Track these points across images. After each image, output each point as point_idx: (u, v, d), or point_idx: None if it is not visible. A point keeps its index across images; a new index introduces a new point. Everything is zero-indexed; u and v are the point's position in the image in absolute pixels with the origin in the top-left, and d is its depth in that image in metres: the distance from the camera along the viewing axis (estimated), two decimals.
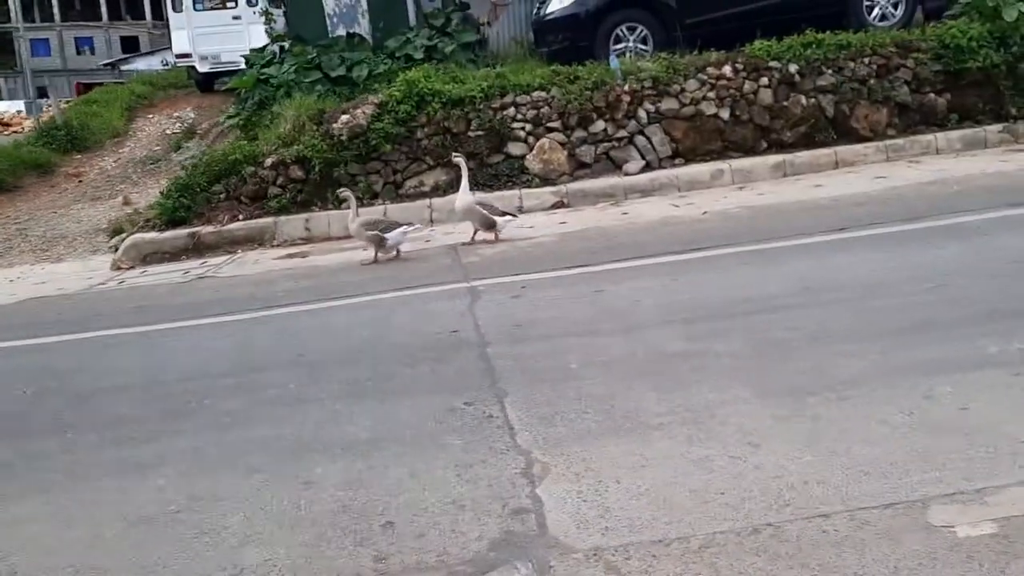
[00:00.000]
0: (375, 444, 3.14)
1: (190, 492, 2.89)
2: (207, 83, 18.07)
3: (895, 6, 9.32)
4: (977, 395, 3.00)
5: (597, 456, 2.89)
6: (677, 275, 5.05)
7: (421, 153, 8.18)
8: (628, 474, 2.75)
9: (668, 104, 8.26)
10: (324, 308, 5.18)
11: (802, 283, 4.61)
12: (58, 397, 4.07)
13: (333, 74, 11.26)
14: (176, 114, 16.00)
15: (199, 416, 3.60)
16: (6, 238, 9.63)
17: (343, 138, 8.05)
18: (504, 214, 6.62)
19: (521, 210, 7.82)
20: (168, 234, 7.97)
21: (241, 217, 8.09)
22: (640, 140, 8.26)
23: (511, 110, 8.22)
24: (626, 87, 8.20)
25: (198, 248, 7.83)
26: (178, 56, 17.41)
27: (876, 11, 9.30)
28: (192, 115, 15.78)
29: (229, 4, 17.03)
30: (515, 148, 8.22)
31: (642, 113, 8.24)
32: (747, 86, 8.32)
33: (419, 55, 11.20)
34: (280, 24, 12.85)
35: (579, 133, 8.21)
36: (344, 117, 8.12)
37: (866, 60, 8.41)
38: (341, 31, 12.03)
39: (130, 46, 44.68)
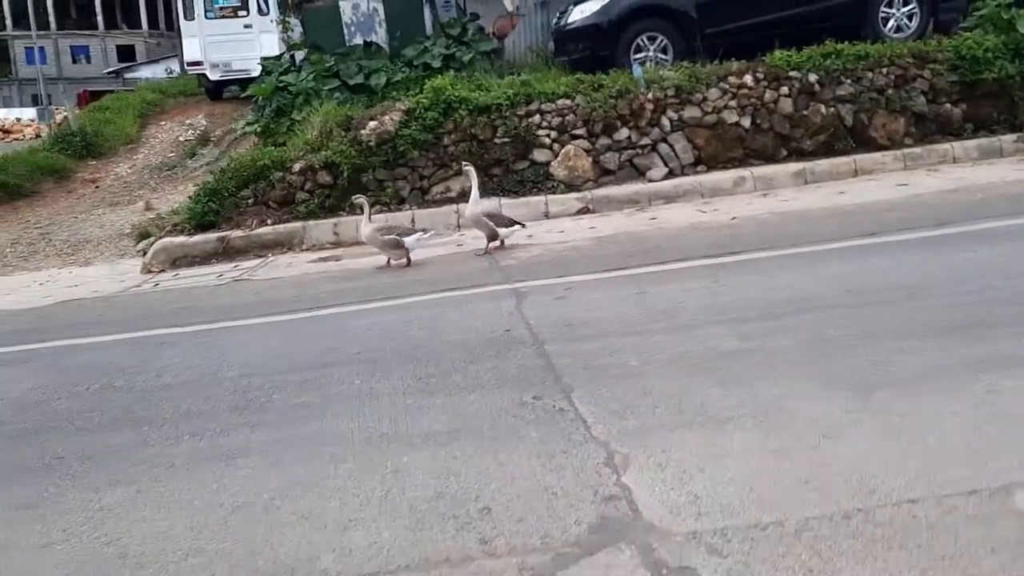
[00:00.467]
0: (453, 436, 3.22)
1: (281, 481, 2.97)
2: (217, 91, 18.19)
3: (910, 18, 9.52)
4: None
5: (675, 447, 2.97)
6: (717, 277, 5.15)
7: (448, 159, 8.28)
8: (711, 464, 2.83)
9: (691, 112, 8.40)
10: (371, 308, 5.26)
11: (843, 285, 4.71)
12: (124, 393, 4.13)
13: (351, 82, 11.41)
14: (188, 121, 16.09)
15: (271, 410, 3.68)
16: (30, 242, 9.69)
17: (371, 144, 8.16)
18: (512, 223, 6.73)
19: (547, 215, 7.95)
20: (197, 238, 8.05)
21: (270, 222, 8.18)
22: (663, 147, 8.39)
23: (536, 117, 8.34)
24: (649, 95, 8.33)
25: (227, 252, 7.91)
26: (189, 64, 17.50)
27: (891, 23, 9.49)
28: (204, 122, 15.87)
29: (241, 13, 17.15)
30: (540, 155, 8.34)
31: (665, 121, 8.38)
32: (768, 95, 8.47)
33: (437, 63, 11.37)
34: (296, 33, 12.98)
35: (603, 140, 8.34)
36: (372, 123, 8.22)
37: (884, 70, 8.58)
38: (358, 40, 12.19)
39: (126, 55, 44.72)
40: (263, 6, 17.16)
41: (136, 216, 10.31)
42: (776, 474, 2.73)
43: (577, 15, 9.49)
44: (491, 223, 6.60)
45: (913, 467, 2.68)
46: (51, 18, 44.25)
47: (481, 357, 4.08)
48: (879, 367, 3.48)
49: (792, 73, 8.48)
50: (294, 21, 13.15)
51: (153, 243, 8.21)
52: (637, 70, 8.54)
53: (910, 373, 3.37)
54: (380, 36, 12.20)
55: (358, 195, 7.03)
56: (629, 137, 8.35)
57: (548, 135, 8.33)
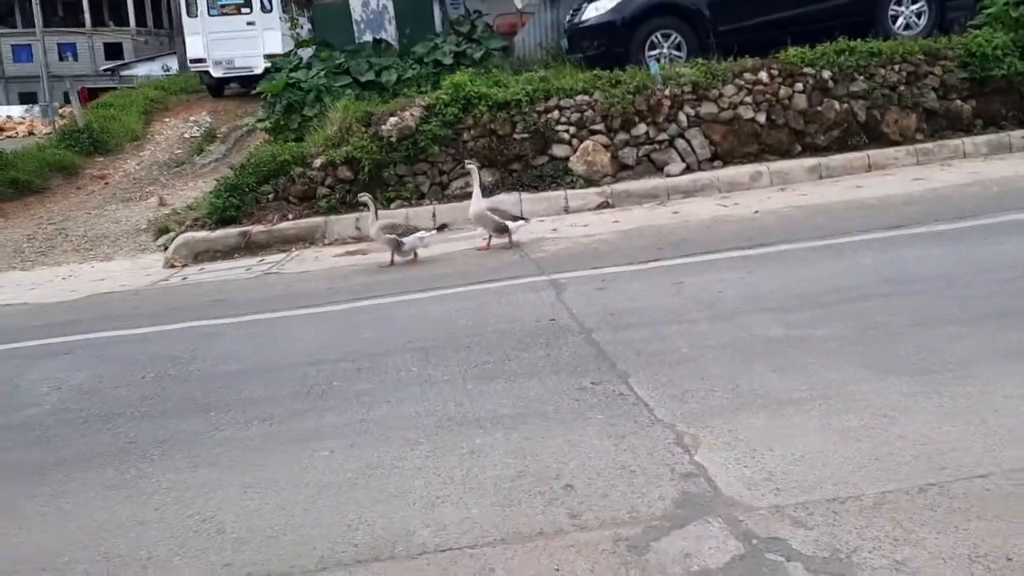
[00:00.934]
0: (521, 419, 3.30)
1: (359, 462, 3.05)
2: (219, 88, 18.21)
3: (918, 16, 9.65)
4: None
5: (741, 428, 3.07)
6: (751, 268, 5.25)
7: (467, 155, 8.34)
8: (779, 443, 2.93)
9: (707, 108, 8.50)
10: (411, 300, 5.34)
11: (878, 274, 4.82)
12: (180, 382, 4.20)
13: (362, 79, 11.45)
14: (192, 118, 16.11)
15: (333, 396, 3.76)
16: (46, 237, 9.71)
17: (392, 139, 8.22)
18: (516, 218, 6.81)
19: (567, 210, 8.04)
20: (219, 233, 8.10)
21: (290, 217, 8.23)
22: (680, 143, 8.49)
23: (555, 113, 8.42)
24: (666, 91, 8.43)
25: (249, 247, 7.96)
26: (192, 61, 17.50)
27: (900, 21, 9.63)
28: (208, 119, 15.90)
29: (244, 10, 17.18)
30: (559, 150, 8.43)
31: (682, 117, 8.47)
32: (782, 91, 8.58)
33: (448, 60, 11.43)
34: (305, 30, 13.02)
35: (622, 136, 8.42)
36: (393, 119, 8.28)
37: (896, 67, 8.71)
38: (368, 37, 12.23)
39: (114, 52, 44.45)
40: (266, 3, 17.21)
41: (150, 212, 10.35)
42: (845, 452, 2.82)
43: (592, 12, 9.57)
44: (496, 218, 6.68)
45: (977, 446, 2.78)
46: (37, 15, 43.99)
47: (532, 345, 4.17)
48: (930, 352, 3.58)
49: (806, 70, 8.59)
50: (303, 18, 13.16)
51: (174, 238, 8.25)
52: (654, 66, 8.63)
53: (960, 358, 3.47)
54: (390, 33, 12.25)
55: (363, 193, 7.06)
56: (647, 132, 8.44)
57: (567, 131, 8.41)
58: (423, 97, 8.57)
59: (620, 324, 4.39)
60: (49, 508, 2.98)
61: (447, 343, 4.33)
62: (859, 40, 8.80)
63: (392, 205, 8.24)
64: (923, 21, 9.66)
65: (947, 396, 3.16)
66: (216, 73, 17.37)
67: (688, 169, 8.40)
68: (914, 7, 9.59)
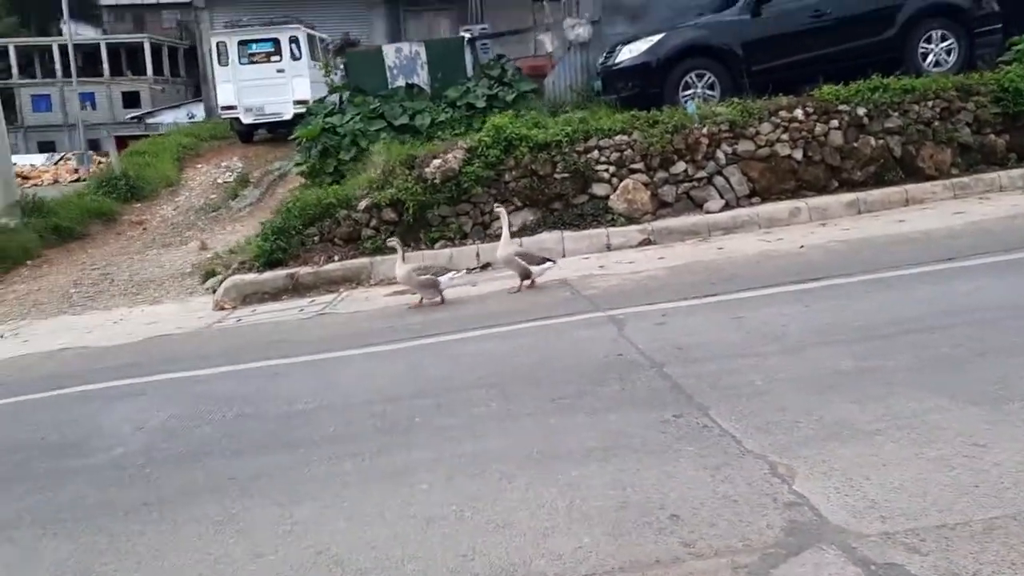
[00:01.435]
0: (611, 451, 3.36)
1: (460, 495, 3.11)
2: (248, 134, 18.57)
3: (948, 53, 9.79)
4: None
5: (832, 458, 3.12)
6: (809, 302, 5.32)
7: (509, 195, 8.50)
8: (874, 472, 2.97)
9: (744, 146, 8.64)
10: (471, 337, 5.43)
11: (935, 306, 4.88)
12: (259, 420, 4.29)
13: (396, 123, 11.70)
14: (224, 163, 16.41)
15: (418, 432, 3.83)
16: (92, 283, 9.88)
17: (436, 181, 8.38)
18: (543, 261, 6.91)
19: (609, 248, 8.15)
20: (267, 275, 8.24)
21: (336, 258, 8.37)
22: (719, 180, 8.62)
23: (595, 153, 8.58)
24: (704, 130, 8.57)
25: (296, 288, 8.10)
26: (223, 108, 17.90)
27: (931, 58, 9.77)
28: (240, 164, 16.18)
29: (274, 58, 17.58)
30: (599, 189, 8.57)
31: (720, 154, 8.61)
32: (818, 128, 8.71)
33: (481, 103, 11.67)
34: (338, 76, 13.30)
35: (661, 174, 8.56)
36: (436, 161, 8.45)
37: (930, 103, 8.84)
38: (401, 82, 12.50)
39: (131, 101, 45.22)
40: (295, 51, 17.62)
41: (192, 256, 10.52)
42: (943, 480, 2.87)
43: (626, 54, 9.78)
44: (523, 262, 6.79)
45: None
46: (57, 66, 44.90)
47: (605, 380, 4.23)
48: (1004, 382, 3.62)
49: (841, 107, 8.73)
50: (337, 65, 13.47)
51: (222, 281, 8.40)
52: (691, 106, 8.79)
53: None
54: (422, 78, 12.52)
55: (391, 238, 7.16)
56: (685, 170, 8.57)
57: (606, 170, 8.56)
58: (465, 139, 8.75)
59: (689, 358, 4.46)
60: (161, 544, 3.05)
61: (517, 379, 4.40)
62: (892, 77, 8.95)
63: (436, 245, 8.37)
64: (952, 58, 9.80)
65: None
66: (246, 119, 17.74)
67: (727, 206, 8.51)
68: (943, 44, 9.74)
